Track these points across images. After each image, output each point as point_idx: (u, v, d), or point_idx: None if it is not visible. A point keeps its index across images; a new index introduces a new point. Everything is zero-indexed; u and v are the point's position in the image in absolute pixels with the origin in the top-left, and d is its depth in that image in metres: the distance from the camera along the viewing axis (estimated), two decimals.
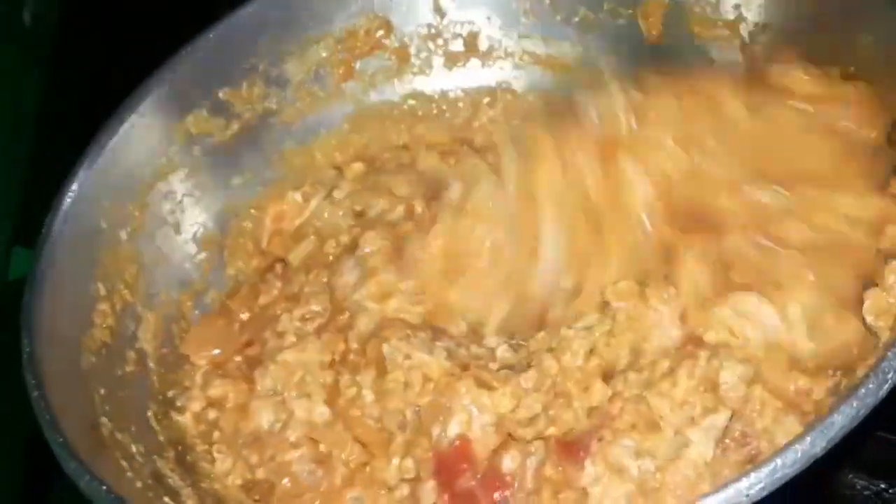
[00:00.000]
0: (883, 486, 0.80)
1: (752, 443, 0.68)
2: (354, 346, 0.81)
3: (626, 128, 0.80)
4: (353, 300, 0.84)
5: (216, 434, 0.82)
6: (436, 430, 0.74)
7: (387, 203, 0.91)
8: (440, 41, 1.00)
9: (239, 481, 0.79)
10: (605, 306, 0.75)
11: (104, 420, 0.76)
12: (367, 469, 0.76)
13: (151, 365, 0.85)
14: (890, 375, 0.59)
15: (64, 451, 0.69)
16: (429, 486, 0.74)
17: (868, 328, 0.69)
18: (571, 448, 0.71)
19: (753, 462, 0.67)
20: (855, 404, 0.58)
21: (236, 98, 0.94)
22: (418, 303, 0.82)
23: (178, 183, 0.92)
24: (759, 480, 0.56)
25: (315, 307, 0.85)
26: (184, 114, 0.91)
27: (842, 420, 0.57)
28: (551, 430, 0.72)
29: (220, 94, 0.93)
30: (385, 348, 0.77)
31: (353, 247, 0.88)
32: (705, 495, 0.58)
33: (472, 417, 0.74)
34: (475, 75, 1.01)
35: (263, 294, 0.90)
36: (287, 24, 0.94)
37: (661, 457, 0.68)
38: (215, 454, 0.81)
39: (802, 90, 0.78)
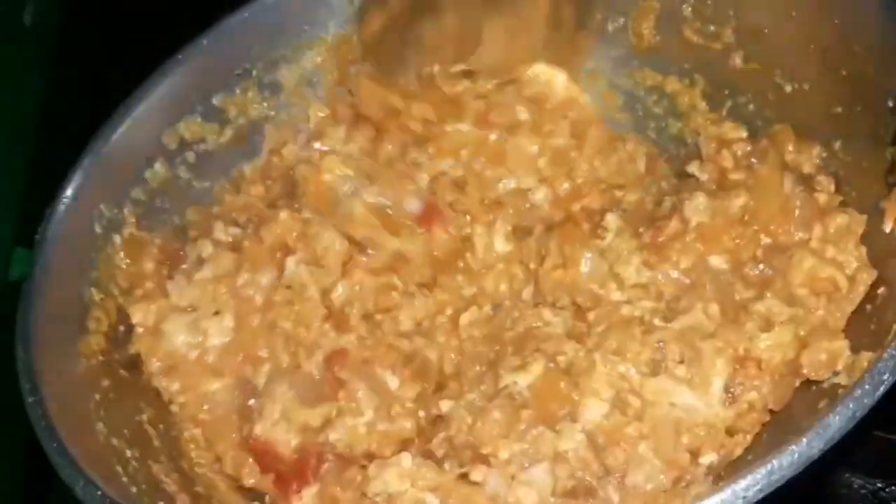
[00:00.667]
0: (880, 485, 0.81)
1: None
2: None
3: None
4: None
5: None
6: None
7: None
8: None
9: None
10: None
11: (99, 425, 0.76)
12: None
13: (145, 370, 0.85)
14: (886, 377, 0.59)
15: (59, 456, 0.70)
16: None
17: None
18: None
19: None
20: (851, 405, 0.58)
21: (230, 103, 0.94)
22: None
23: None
24: (756, 482, 0.57)
25: None
26: (178, 119, 0.91)
27: (838, 421, 0.58)
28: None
29: (214, 100, 0.93)
30: None
31: None
32: (702, 497, 0.58)
33: None
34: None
35: None
36: (280, 30, 0.94)
37: None
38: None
39: None
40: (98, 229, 0.85)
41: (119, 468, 0.74)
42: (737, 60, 0.87)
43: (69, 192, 0.84)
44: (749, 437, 0.71)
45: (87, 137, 0.88)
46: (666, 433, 0.70)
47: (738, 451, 0.71)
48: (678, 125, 0.92)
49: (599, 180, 0.90)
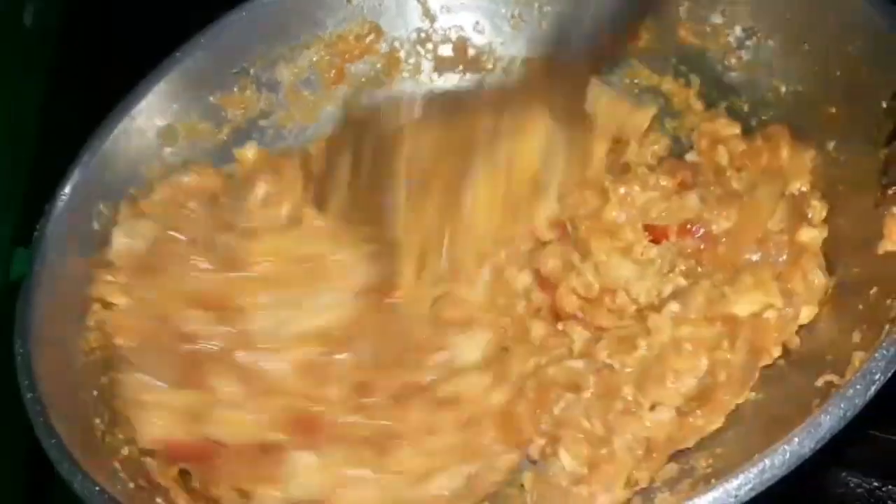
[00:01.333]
0: (876, 483, 0.80)
1: None
2: None
3: None
4: None
5: None
6: None
7: None
8: (430, 46, 1.00)
9: None
10: None
11: (97, 421, 0.77)
12: None
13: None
14: (877, 376, 0.59)
15: (57, 451, 0.70)
16: None
17: None
18: None
19: None
20: (842, 405, 0.59)
21: (227, 102, 0.95)
22: None
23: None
24: (748, 481, 0.57)
25: None
26: (175, 117, 0.92)
27: (829, 421, 0.58)
28: None
29: (212, 98, 0.94)
30: None
31: None
32: (693, 496, 0.59)
33: None
34: (464, 80, 1.01)
35: None
36: (278, 29, 0.95)
37: None
38: None
39: None
40: (97, 226, 0.86)
41: (117, 464, 0.74)
42: (732, 61, 0.87)
43: (68, 189, 0.84)
44: None
45: (87, 138, 0.88)
46: None
47: None
48: (673, 124, 0.93)
49: None
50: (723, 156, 0.82)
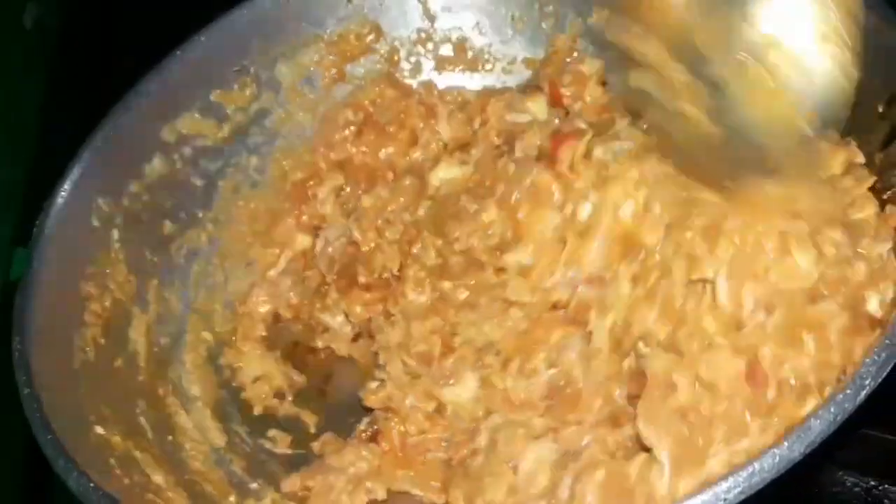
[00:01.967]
0: (873, 483, 0.80)
1: None
2: None
3: None
4: None
5: None
6: None
7: None
8: (430, 45, 1.01)
9: None
10: None
11: (93, 418, 0.77)
12: None
13: (141, 364, 0.86)
14: (867, 382, 0.59)
15: (53, 448, 0.70)
16: None
17: None
18: None
19: None
20: (832, 409, 0.59)
21: (228, 100, 0.95)
22: None
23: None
24: (737, 484, 0.57)
25: None
26: (175, 115, 0.92)
27: (819, 425, 0.58)
28: None
29: (212, 96, 0.94)
30: None
31: None
32: (683, 498, 0.59)
33: None
34: (464, 80, 1.01)
35: None
36: (278, 27, 0.95)
37: None
38: None
39: None
40: (96, 223, 0.86)
41: (112, 460, 0.74)
42: None
43: (67, 185, 0.84)
44: None
45: (87, 137, 0.88)
46: None
47: None
48: None
49: None
50: None
